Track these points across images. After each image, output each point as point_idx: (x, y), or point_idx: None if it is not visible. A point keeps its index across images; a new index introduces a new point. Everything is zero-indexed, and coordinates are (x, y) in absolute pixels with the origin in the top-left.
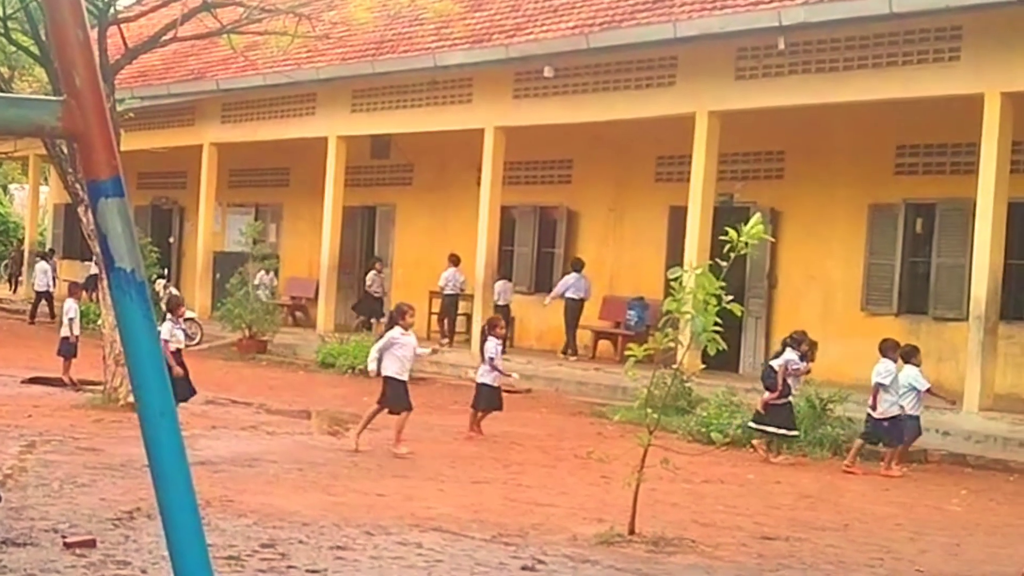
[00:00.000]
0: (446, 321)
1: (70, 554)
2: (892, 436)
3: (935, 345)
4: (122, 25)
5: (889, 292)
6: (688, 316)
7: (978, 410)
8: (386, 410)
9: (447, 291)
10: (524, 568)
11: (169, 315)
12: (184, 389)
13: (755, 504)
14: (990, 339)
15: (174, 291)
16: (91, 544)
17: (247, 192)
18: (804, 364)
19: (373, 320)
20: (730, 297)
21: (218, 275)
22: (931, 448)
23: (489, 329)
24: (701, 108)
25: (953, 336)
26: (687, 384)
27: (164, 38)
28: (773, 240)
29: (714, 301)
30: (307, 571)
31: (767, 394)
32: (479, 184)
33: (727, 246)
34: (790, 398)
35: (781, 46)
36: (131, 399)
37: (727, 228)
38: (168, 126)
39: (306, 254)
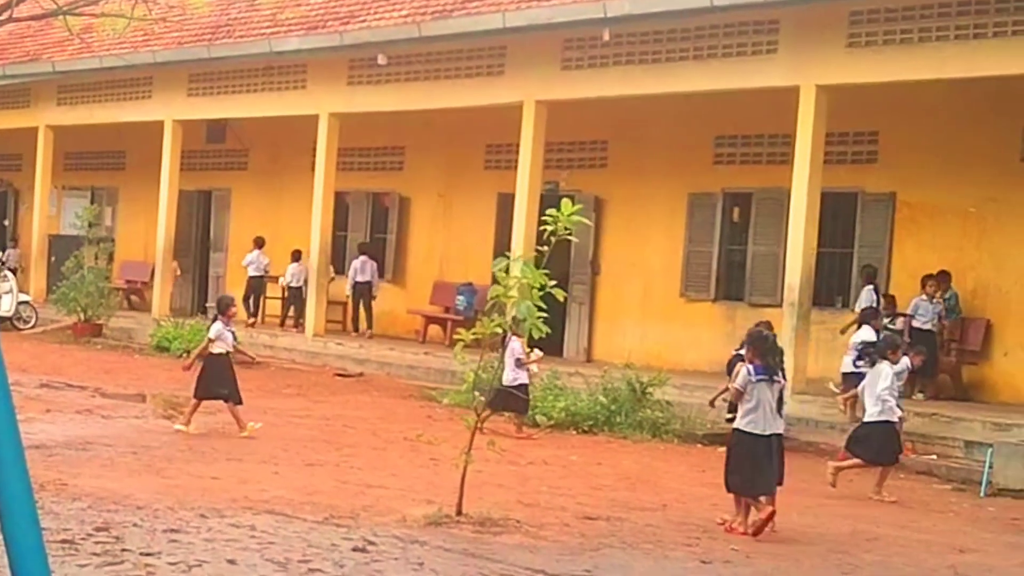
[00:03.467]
0: (251, 302)
1: None
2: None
3: None
4: None
5: (707, 279)
6: (513, 302)
7: (792, 394)
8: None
9: (251, 272)
10: (355, 549)
11: (220, 316)
12: (231, 390)
13: (578, 485)
14: (803, 325)
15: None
16: None
17: (83, 175)
18: None
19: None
20: (553, 282)
21: (53, 258)
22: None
23: (514, 331)
24: (529, 97)
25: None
26: None
27: None
28: (589, 223)
29: (538, 286)
30: (141, 554)
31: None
32: (313, 169)
33: (547, 231)
34: None
35: (606, 37)
36: None
37: (547, 213)
38: (3, 108)
39: (142, 238)
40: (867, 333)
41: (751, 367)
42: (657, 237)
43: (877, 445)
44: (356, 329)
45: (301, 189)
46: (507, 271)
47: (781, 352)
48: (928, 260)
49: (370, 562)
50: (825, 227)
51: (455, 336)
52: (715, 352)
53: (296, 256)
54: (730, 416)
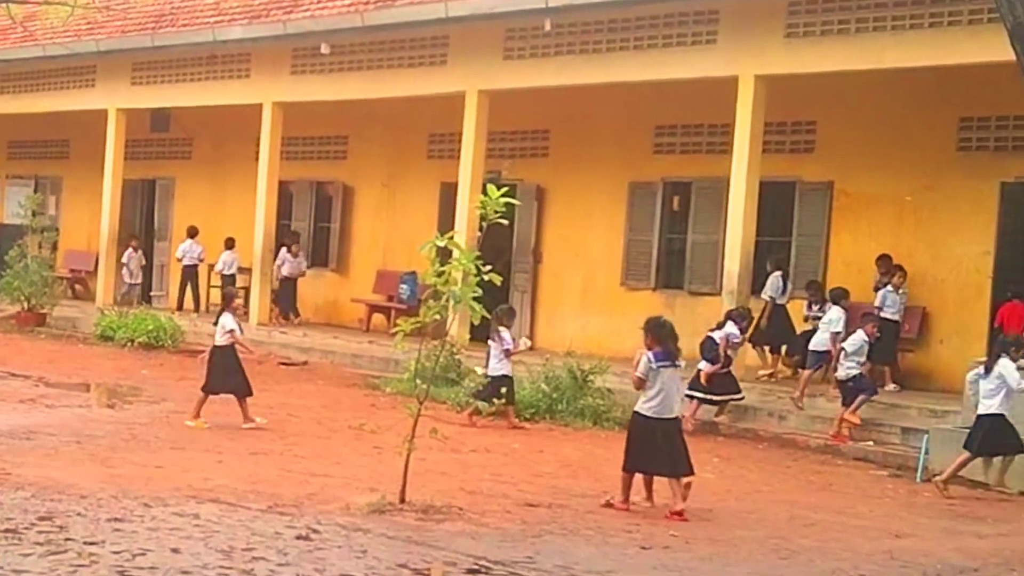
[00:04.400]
0: (188, 291)
1: None
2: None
3: (690, 319)
4: None
5: (647, 267)
6: (450, 288)
7: None
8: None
9: (185, 262)
10: (299, 537)
11: (226, 308)
12: (240, 384)
13: (519, 472)
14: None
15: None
16: None
17: (27, 164)
18: (742, 336)
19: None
20: (488, 267)
21: None
22: (685, 416)
23: (501, 321)
24: (471, 87)
25: (707, 310)
26: (456, 356)
27: None
28: (518, 203)
29: (473, 270)
30: (85, 543)
31: (705, 365)
32: (257, 159)
33: (481, 217)
34: (731, 367)
35: (548, 27)
36: None
37: (479, 198)
38: None
39: (86, 227)
40: (836, 313)
41: (651, 354)
42: (598, 226)
43: (980, 436)
44: (296, 315)
45: (245, 178)
46: (435, 254)
47: (677, 337)
48: (865, 248)
49: (313, 550)
50: (764, 216)
51: (394, 325)
52: None
53: (229, 244)
54: (690, 394)
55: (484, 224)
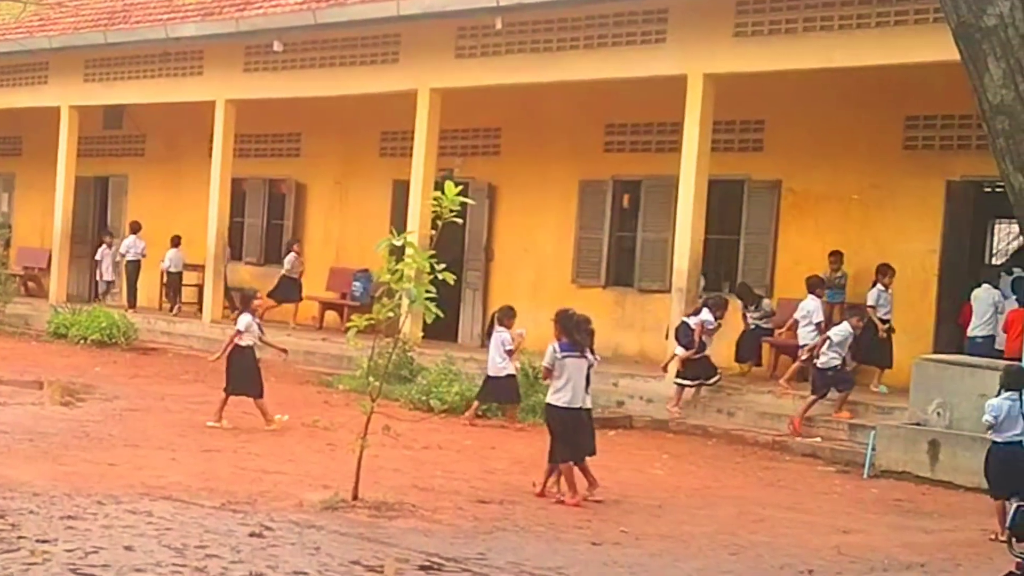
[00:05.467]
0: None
1: None
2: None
3: (639, 316)
4: None
5: (598, 265)
6: (404, 286)
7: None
8: None
9: (128, 258)
10: (252, 534)
11: (245, 309)
12: (255, 385)
13: (472, 469)
14: (692, 310)
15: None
16: None
17: None
18: (717, 323)
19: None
20: (443, 266)
21: None
22: (635, 414)
23: (501, 321)
24: (423, 85)
25: (657, 307)
26: (409, 353)
27: None
28: (473, 202)
29: (427, 269)
30: (37, 541)
31: (680, 350)
32: (210, 156)
33: (434, 215)
34: (706, 352)
35: (499, 26)
36: None
37: (433, 196)
38: None
39: (38, 224)
40: (812, 304)
41: (557, 344)
42: (549, 224)
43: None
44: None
45: (198, 175)
46: (390, 252)
47: (591, 332)
48: (813, 246)
49: (266, 547)
50: (713, 214)
51: (347, 323)
52: (605, 336)
53: (175, 242)
54: (679, 381)
55: (439, 223)
